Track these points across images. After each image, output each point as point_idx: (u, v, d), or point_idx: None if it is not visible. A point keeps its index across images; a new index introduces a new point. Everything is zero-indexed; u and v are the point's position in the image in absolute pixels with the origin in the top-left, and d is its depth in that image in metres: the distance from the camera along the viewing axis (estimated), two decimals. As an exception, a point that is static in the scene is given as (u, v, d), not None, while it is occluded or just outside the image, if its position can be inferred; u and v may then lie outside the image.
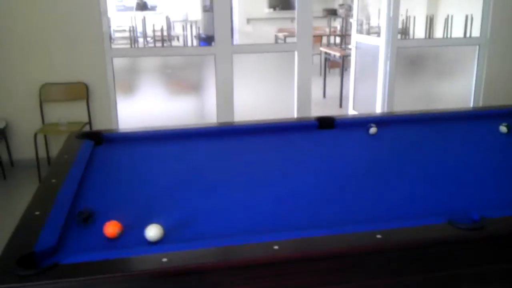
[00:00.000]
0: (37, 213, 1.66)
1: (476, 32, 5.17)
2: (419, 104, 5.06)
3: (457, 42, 5.20)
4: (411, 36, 6.34)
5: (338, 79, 7.43)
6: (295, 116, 4.82)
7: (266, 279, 1.41)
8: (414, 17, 6.38)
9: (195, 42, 8.83)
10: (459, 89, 5.24)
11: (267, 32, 10.18)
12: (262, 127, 2.77)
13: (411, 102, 5.11)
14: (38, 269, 1.33)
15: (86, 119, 4.45)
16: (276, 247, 1.42)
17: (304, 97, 4.80)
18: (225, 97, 4.65)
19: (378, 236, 1.48)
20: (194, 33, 8.24)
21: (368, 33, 5.79)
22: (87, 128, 4.37)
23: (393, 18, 4.67)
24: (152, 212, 1.76)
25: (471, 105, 5.08)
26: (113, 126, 4.51)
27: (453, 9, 6.05)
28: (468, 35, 5.42)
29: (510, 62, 4.90)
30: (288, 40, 9.62)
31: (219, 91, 4.64)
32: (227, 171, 2.18)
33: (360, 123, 2.75)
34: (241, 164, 2.27)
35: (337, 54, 6.81)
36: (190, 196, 1.89)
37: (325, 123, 2.76)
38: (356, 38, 5.57)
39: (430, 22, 6.41)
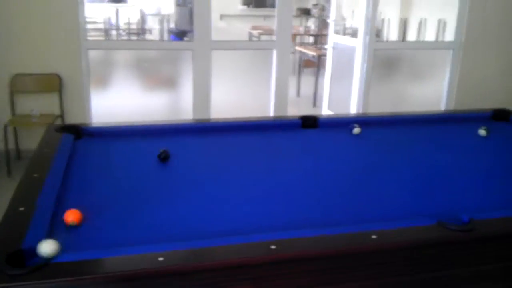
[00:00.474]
0: (21, 209, 1.60)
1: (448, 36, 5.28)
2: (393, 106, 5.14)
3: (432, 45, 5.30)
4: (384, 39, 6.42)
5: (311, 78, 7.47)
6: (271, 114, 4.81)
7: (262, 279, 1.40)
8: (389, 20, 6.47)
9: (166, 37, 8.69)
10: (432, 92, 5.35)
11: (240, 29, 10.15)
12: (245, 125, 2.75)
13: (385, 104, 5.18)
14: (29, 268, 1.28)
15: (58, 112, 4.32)
16: (273, 246, 1.41)
17: (281, 96, 4.80)
18: (202, 94, 4.60)
19: (374, 236, 1.49)
20: (168, 27, 8.12)
21: (344, 33, 5.83)
22: (59, 121, 4.25)
23: (371, 19, 4.73)
24: (139, 210, 1.72)
25: (443, 108, 5.19)
26: (86, 120, 4.40)
27: (425, 13, 6.16)
28: (440, 39, 5.54)
29: (483, 67, 5.03)
30: (262, 38, 9.63)
31: (196, 87, 4.59)
32: (214, 169, 2.16)
33: (343, 123, 2.77)
34: (226, 163, 2.24)
35: (314, 53, 6.85)
36: (176, 194, 1.86)
37: (309, 122, 2.77)
38: (333, 38, 5.61)
39: (404, 25, 6.52)
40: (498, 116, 3.02)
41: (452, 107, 5.15)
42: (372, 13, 4.71)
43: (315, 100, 6.78)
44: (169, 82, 5.09)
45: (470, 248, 1.56)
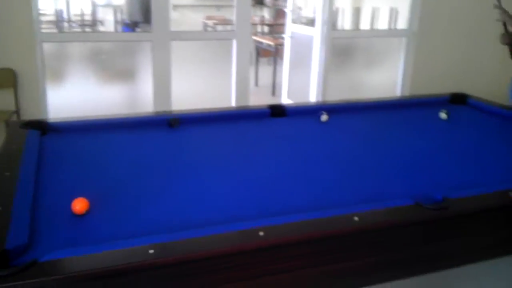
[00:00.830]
0: (-1, 208, 1.54)
1: (400, 24, 5.44)
2: (351, 93, 5.25)
3: (387, 33, 5.44)
4: (338, 27, 6.54)
5: (268, 68, 7.52)
6: (233, 104, 4.82)
7: (253, 265, 1.43)
8: (343, 9, 6.59)
9: (118, 28, 8.50)
10: (387, 79, 5.50)
11: (194, 20, 10.05)
12: (215, 115, 2.75)
13: (343, 91, 5.28)
14: (15, 269, 1.25)
15: (13, 108, 4.16)
16: (261, 233, 1.44)
17: (242, 86, 4.82)
18: (163, 85, 4.55)
19: (356, 218, 1.54)
20: (120, 18, 7.94)
21: (300, 23, 5.89)
22: (15, 118, 4.09)
23: (329, 9, 4.80)
24: (122, 204, 1.70)
25: (399, 94, 5.35)
26: (43, 115, 4.26)
27: (377, 2, 6.31)
28: (392, 27, 5.69)
29: (436, 54, 5.21)
30: (218, 28, 9.58)
31: (156, 79, 4.52)
32: (191, 160, 2.15)
33: (311, 111, 2.82)
34: (202, 155, 2.24)
35: (271, 43, 6.88)
36: (158, 187, 1.85)
37: (277, 111, 2.80)
38: (291, 27, 5.66)
39: (358, 14, 6.66)
40: (456, 100, 3.15)
41: (407, 93, 5.31)
42: (329, 2, 4.79)
43: (274, 89, 6.83)
44: (127, 74, 4.99)
45: (446, 224, 1.64)
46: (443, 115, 2.80)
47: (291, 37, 5.65)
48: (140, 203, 1.70)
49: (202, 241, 1.39)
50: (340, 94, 5.14)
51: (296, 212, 1.57)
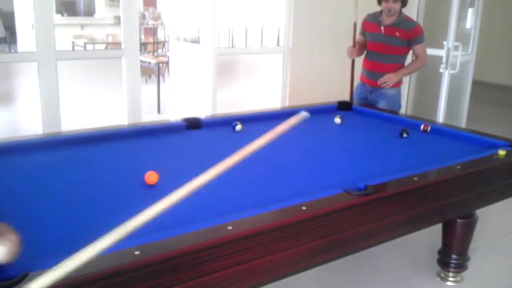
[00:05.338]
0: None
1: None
2: (238, 106, 5.56)
3: (263, 50, 5.88)
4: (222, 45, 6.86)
5: (145, 86, 7.53)
6: (126, 122, 4.82)
7: (231, 255, 1.60)
8: (231, 28, 6.92)
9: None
10: (269, 92, 5.93)
11: (61, 39, 9.65)
12: (128, 131, 2.84)
13: (231, 105, 5.57)
14: (9, 282, 1.27)
15: None
16: (230, 227, 1.62)
17: (134, 104, 4.84)
18: (51, 106, 4.39)
19: (304, 208, 1.79)
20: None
21: (183, 40, 6.08)
22: None
23: (213, 27, 5.06)
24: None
25: (280, 105, 5.79)
26: None
27: (266, 21, 6.71)
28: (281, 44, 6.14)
29: (309, 68, 5.74)
30: (88, 47, 9.33)
31: (43, 100, 4.36)
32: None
33: (224, 122, 3.03)
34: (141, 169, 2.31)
35: (153, 61, 6.93)
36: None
37: (193, 124, 2.96)
38: (174, 45, 5.81)
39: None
40: (343, 107, 3.60)
41: (286, 104, 5.77)
42: (213, 21, 5.06)
43: (159, 106, 6.87)
44: (6, 97, 4.72)
45: (371, 206, 1.97)
46: (337, 120, 3.20)
47: (176, 55, 5.80)
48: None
49: (180, 239, 1.53)
50: (229, 107, 5.41)
51: (255, 206, 1.78)
